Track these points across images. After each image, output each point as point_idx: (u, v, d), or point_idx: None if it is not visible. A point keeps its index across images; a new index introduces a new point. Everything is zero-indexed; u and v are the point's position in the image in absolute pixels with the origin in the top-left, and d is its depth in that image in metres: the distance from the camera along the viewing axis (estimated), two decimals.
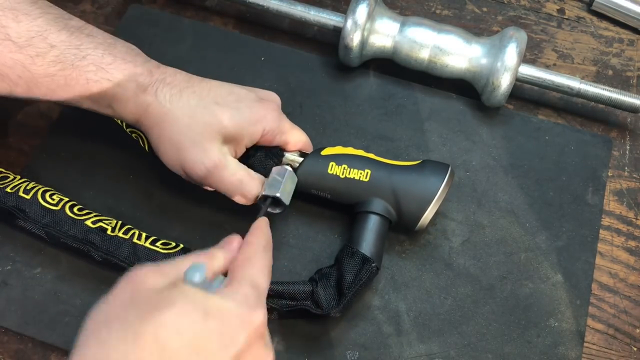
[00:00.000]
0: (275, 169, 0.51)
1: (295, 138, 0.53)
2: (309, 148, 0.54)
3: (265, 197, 0.49)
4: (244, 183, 0.50)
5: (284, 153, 0.53)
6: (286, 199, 0.49)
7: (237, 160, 0.50)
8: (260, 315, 0.37)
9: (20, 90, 0.48)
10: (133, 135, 0.55)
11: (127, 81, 0.48)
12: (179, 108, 0.48)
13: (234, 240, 0.43)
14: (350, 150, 0.53)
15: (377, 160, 0.52)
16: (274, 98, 0.54)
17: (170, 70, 0.50)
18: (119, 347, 0.32)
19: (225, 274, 0.41)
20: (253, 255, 0.41)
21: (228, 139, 0.49)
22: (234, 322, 0.35)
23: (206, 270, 0.38)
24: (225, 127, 0.49)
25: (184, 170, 0.50)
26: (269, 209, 0.49)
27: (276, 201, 0.49)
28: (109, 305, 0.35)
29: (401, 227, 0.53)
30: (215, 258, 0.40)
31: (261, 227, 0.44)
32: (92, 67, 0.47)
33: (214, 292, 0.37)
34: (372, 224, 0.50)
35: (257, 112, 0.50)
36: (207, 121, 0.49)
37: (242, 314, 0.36)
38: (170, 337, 0.33)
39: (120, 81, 0.48)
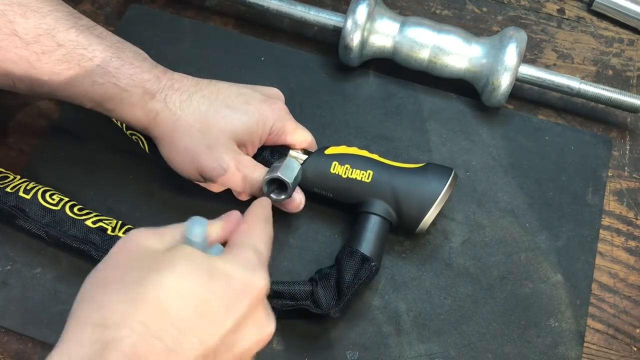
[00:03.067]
0: (278, 160, 0.52)
1: (299, 138, 0.53)
2: (313, 147, 0.54)
3: (268, 181, 0.49)
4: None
5: (289, 150, 0.53)
6: (289, 178, 0.49)
7: (251, 158, 0.51)
8: (262, 279, 0.36)
9: (23, 86, 0.48)
10: (133, 137, 0.55)
11: (134, 86, 0.47)
12: (190, 114, 0.48)
13: (234, 213, 0.42)
14: (354, 150, 0.53)
15: (380, 162, 0.52)
16: (278, 95, 0.54)
17: (177, 75, 0.50)
18: (118, 308, 0.32)
19: (223, 245, 0.41)
20: (254, 224, 0.41)
21: (241, 142, 0.50)
22: (237, 285, 0.35)
23: (206, 230, 0.37)
24: (238, 132, 0.49)
25: (200, 176, 0.50)
26: (273, 195, 0.50)
27: (280, 186, 0.49)
28: (106, 268, 0.35)
29: (402, 229, 0.53)
30: (213, 225, 0.40)
31: (262, 203, 0.44)
32: (99, 69, 0.47)
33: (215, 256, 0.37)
34: (373, 225, 0.50)
35: (265, 113, 0.50)
36: (221, 126, 0.49)
37: (245, 277, 0.36)
38: (172, 300, 0.33)
39: (126, 86, 0.47)
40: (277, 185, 0.50)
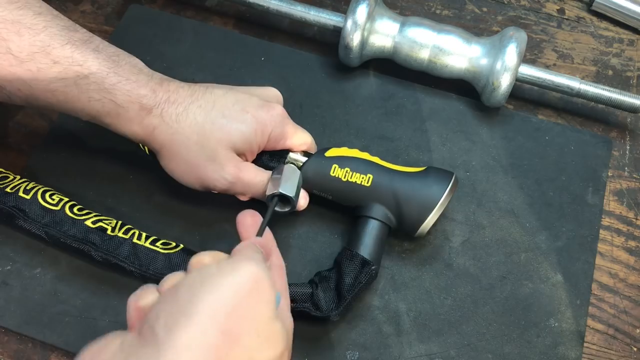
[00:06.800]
0: (277, 168, 0.51)
1: (299, 140, 0.53)
2: (313, 149, 0.54)
3: (272, 196, 0.49)
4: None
5: (288, 153, 0.53)
6: (290, 192, 0.49)
7: (251, 163, 0.51)
8: (251, 266, 0.36)
9: (19, 101, 0.48)
10: None
11: (130, 102, 0.47)
12: (187, 127, 0.48)
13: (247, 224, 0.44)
14: (355, 153, 0.53)
15: (380, 165, 0.52)
16: (276, 97, 0.54)
17: (173, 85, 0.49)
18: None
19: None
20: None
21: (240, 151, 0.50)
22: (248, 276, 0.35)
23: None
24: (236, 142, 0.49)
25: (202, 186, 0.50)
26: (277, 209, 0.50)
27: (283, 199, 0.49)
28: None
29: (401, 233, 0.53)
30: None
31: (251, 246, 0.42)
32: (95, 85, 0.46)
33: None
34: (372, 229, 0.50)
35: (263, 120, 0.50)
36: (218, 137, 0.48)
37: (248, 270, 0.36)
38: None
39: (123, 102, 0.47)
40: (280, 197, 0.49)
